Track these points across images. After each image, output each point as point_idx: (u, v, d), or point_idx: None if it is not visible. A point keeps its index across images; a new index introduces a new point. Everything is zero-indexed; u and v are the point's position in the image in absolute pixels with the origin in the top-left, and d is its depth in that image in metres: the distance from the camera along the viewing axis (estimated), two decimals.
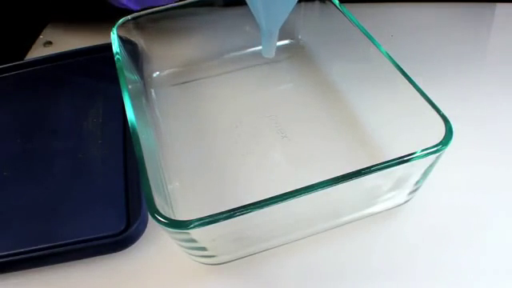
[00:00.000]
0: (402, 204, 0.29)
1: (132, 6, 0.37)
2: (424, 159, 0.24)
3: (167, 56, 0.37)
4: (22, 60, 0.42)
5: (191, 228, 0.22)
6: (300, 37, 0.40)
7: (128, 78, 0.30)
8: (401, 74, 0.28)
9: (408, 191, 0.28)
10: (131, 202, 0.30)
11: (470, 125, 0.33)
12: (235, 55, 0.38)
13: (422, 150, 0.24)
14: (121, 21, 0.34)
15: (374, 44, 0.30)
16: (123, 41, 0.33)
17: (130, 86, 0.29)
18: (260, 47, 0.38)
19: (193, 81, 0.38)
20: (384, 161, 0.24)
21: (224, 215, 0.22)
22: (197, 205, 0.29)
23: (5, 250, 0.28)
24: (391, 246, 0.28)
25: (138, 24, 0.35)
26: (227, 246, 0.26)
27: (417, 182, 0.27)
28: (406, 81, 0.27)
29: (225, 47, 0.37)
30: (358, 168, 0.23)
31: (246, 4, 0.30)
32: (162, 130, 0.34)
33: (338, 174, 0.23)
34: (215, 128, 0.34)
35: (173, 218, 0.22)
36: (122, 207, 0.30)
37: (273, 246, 0.28)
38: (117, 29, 0.33)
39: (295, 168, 0.31)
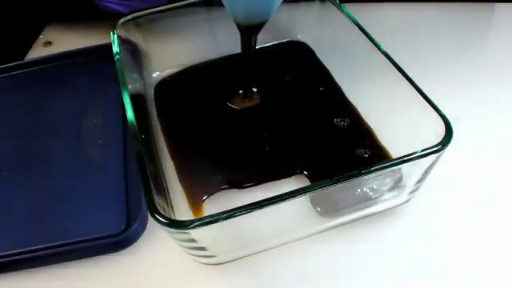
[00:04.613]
0: (402, 204, 0.29)
1: (121, 9, 0.37)
2: (424, 159, 0.24)
3: (167, 56, 0.37)
4: (22, 60, 0.42)
5: (191, 228, 0.22)
6: (300, 37, 0.40)
7: (128, 77, 0.30)
8: (400, 74, 0.28)
9: (408, 191, 0.28)
10: (131, 202, 0.30)
11: (470, 125, 0.33)
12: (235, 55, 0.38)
13: (422, 150, 0.24)
14: (121, 21, 0.34)
15: (374, 44, 0.30)
16: (123, 41, 0.33)
17: (129, 86, 0.29)
18: (258, 46, 0.39)
19: None
20: (384, 161, 0.24)
21: (224, 215, 0.22)
22: None
23: (5, 250, 0.28)
24: (391, 246, 0.28)
25: (138, 24, 0.35)
26: (227, 246, 0.26)
27: (417, 182, 0.27)
28: (406, 81, 0.27)
29: (225, 47, 0.37)
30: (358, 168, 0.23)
31: None
32: (161, 130, 0.34)
33: (338, 174, 0.23)
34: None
35: (173, 218, 0.22)
36: (122, 207, 0.30)
37: (273, 246, 0.28)
38: (117, 29, 0.33)
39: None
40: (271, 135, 0.33)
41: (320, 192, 0.23)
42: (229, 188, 0.29)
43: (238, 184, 0.30)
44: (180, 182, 0.30)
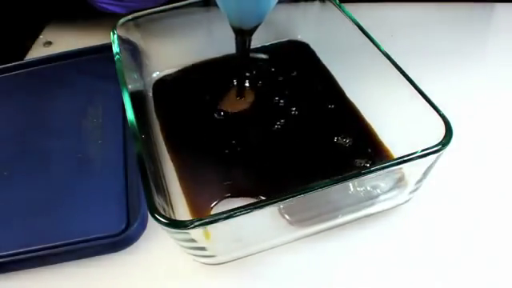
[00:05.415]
0: (403, 204, 0.29)
1: (117, 10, 0.37)
2: (424, 159, 0.24)
3: (167, 56, 0.37)
4: (22, 60, 0.42)
5: (191, 228, 0.22)
6: (300, 37, 0.40)
7: (128, 77, 0.30)
8: (400, 74, 0.28)
9: (408, 191, 0.28)
10: (131, 202, 0.30)
11: (469, 125, 0.33)
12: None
13: (422, 150, 0.24)
14: (121, 21, 0.34)
15: (374, 44, 0.30)
16: (123, 41, 0.33)
17: (130, 86, 0.29)
18: (258, 45, 0.39)
19: None
20: (384, 161, 0.24)
21: (224, 215, 0.22)
22: None
23: (5, 250, 0.28)
24: (392, 246, 0.28)
25: (138, 24, 0.35)
26: (227, 246, 0.26)
27: (417, 182, 0.27)
28: (406, 81, 0.28)
29: (224, 47, 0.37)
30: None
31: None
32: (160, 130, 0.34)
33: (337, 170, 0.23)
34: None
35: (173, 218, 0.22)
36: (122, 207, 0.30)
37: (272, 246, 0.28)
38: (117, 29, 0.33)
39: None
40: (271, 138, 0.33)
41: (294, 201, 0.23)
42: (234, 197, 0.29)
43: (242, 193, 0.29)
44: (182, 190, 0.30)
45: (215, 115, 0.34)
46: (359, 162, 0.30)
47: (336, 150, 0.31)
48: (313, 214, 0.27)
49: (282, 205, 0.23)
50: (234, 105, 0.35)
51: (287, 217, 0.26)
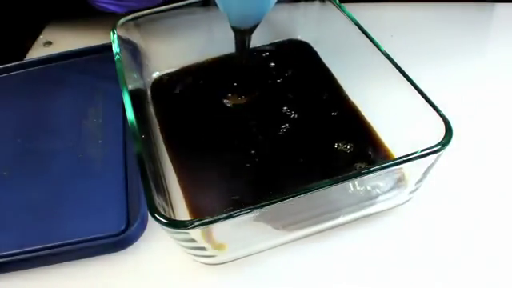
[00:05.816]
0: (403, 204, 0.29)
1: (116, 9, 0.37)
2: (424, 159, 0.24)
3: (167, 56, 0.37)
4: (22, 60, 0.42)
5: (191, 228, 0.22)
6: (300, 37, 0.40)
7: (128, 77, 0.30)
8: (400, 74, 0.28)
9: (408, 191, 0.28)
10: (131, 202, 0.30)
11: (469, 124, 0.33)
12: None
13: (422, 150, 0.24)
14: (121, 21, 0.34)
15: (374, 44, 0.30)
16: (123, 41, 0.33)
17: (130, 86, 0.29)
18: (258, 45, 0.39)
19: None
20: (384, 161, 0.24)
21: (224, 215, 0.22)
22: None
23: (5, 250, 0.28)
24: (392, 246, 0.28)
25: (138, 24, 0.35)
26: (227, 246, 0.26)
27: (417, 182, 0.27)
28: (406, 81, 0.28)
29: (224, 47, 0.37)
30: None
31: None
32: (160, 130, 0.34)
33: (338, 174, 0.23)
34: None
35: (173, 218, 0.22)
36: (122, 207, 0.30)
37: (272, 246, 0.28)
38: (117, 29, 0.33)
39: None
40: (270, 139, 0.33)
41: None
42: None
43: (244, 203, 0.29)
44: (183, 194, 0.30)
45: (215, 115, 0.34)
46: (359, 165, 0.30)
47: (337, 156, 0.31)
48: (313, 214, 0.27)
49: (282, 207, 0.23)
50: (235, 104, 0.35)
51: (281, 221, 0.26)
